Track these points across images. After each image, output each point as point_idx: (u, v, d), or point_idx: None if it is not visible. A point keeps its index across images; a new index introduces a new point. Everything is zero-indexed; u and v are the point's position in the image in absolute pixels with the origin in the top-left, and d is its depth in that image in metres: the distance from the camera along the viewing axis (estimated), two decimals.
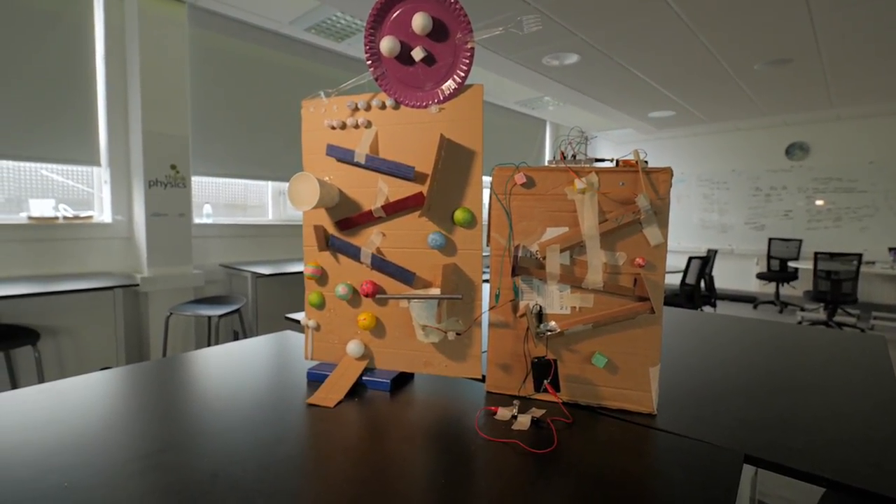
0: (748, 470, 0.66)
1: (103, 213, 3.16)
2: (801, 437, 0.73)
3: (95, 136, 3.06)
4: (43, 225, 2.86)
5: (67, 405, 0.82)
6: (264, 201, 4.12)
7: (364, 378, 0.95)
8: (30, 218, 2.83)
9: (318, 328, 1.02)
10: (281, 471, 0.62)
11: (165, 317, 2.98)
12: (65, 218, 2.95)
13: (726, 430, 0.75)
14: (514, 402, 0.82)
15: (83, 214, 3.04)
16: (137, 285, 2.92)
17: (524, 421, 0.76)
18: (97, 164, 3.09)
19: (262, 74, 3.80)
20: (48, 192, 2.97)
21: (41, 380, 2.59)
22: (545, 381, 0.82)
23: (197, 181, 3.61)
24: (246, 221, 3.89)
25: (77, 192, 3.09)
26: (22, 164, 2.85)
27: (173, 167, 3.17)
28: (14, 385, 2.74)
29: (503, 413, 0.79)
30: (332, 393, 0.88)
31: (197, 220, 3.55)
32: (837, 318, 5.20)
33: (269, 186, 4.12)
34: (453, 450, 0.69)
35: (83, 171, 3.10)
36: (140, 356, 3.24)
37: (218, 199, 3.80)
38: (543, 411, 0.80)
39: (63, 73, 2.90)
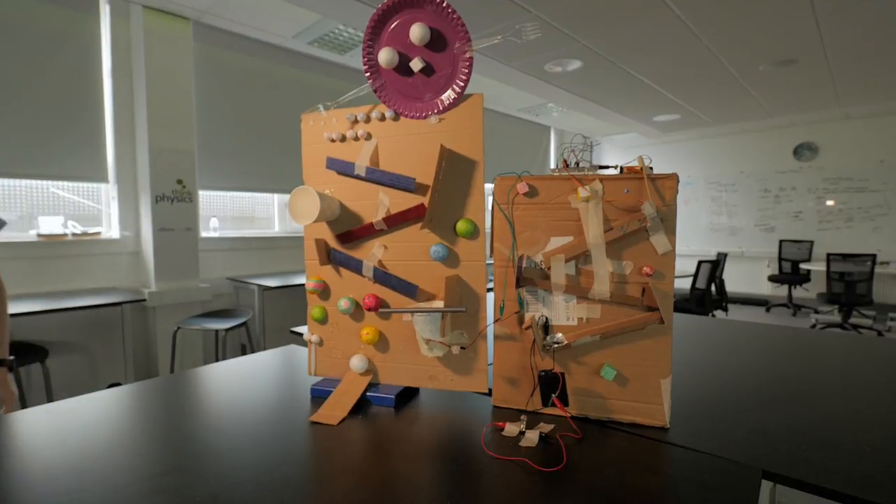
0: (766, 482, 0.64)
1: (111, 228, 3.19)
2: (821, 449, 0.70)
3: (103, 152, 3.09)
4: (52, 242, 2.89)
5: (72, 426, 0.81)
6: (271, 213, 4.13)
7: (368, 394, 0.93)
8: (39, 235, 2.86)
9: (321, 343, 1.00)
10: (282, 492, 0.60)
11: (173, 331, 2.98)
12: (73, 235, 2.98)
13: (742, 443, 0.72)
14: (522, 416, 0.80)
15: (91, 231, 3.07)
16: (145, 300, 2.93)
17: (532, 437, 0.74)
18: (105, 180, 3.12)
19: (267, 88, 3.83)
20: (57, 209, 3.00)
21: (50, 397, 2.59)
22: (553, 395, 0.80)
23: (203, 195, 3.63)
24: (252, 234, 3.90)
25: (85, 208, 3.12)
26: (32, 182, 2.89)
27: (180, 182, 3.19)
28: (23, 402, 2.75)
29: (510, 429, 0.77)
30: (335, 410, 0.86)
31: (204, 234, 3.57)
32: (853, 321, 5.09)
33: (276, 198, 4.13)
34: (459, 468, 0.67)
35: (91, 188, 3.13)
36: (148, 371, 3.25)
37: (224, 212, 3.82)
38: (552, 426, 0.77)
39: (71, 91, 2.93)
